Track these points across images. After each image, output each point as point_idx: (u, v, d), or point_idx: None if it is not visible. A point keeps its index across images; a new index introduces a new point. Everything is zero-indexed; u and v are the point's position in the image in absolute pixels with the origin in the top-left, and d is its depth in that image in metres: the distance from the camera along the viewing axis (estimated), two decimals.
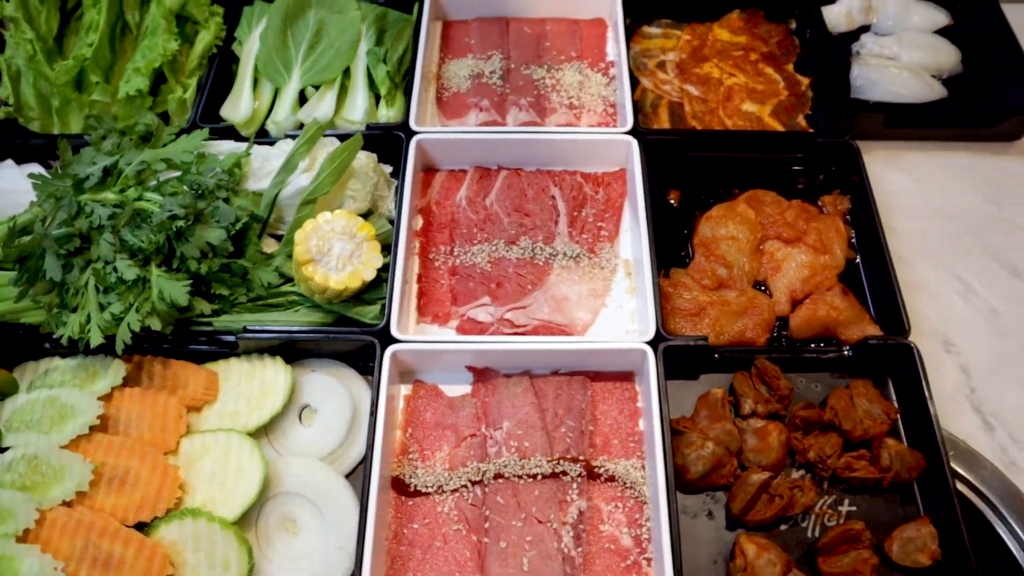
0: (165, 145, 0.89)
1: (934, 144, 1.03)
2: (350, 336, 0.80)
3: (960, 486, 0.81)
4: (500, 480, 0.75)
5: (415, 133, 0.91)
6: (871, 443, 0.78)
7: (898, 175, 1.01)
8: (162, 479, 0.75)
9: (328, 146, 0.88)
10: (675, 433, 0.77)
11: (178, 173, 0.86)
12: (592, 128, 0.95)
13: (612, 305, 0.86)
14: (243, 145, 0.89)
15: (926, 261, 0.95)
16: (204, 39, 0.99)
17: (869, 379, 0.82)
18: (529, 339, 0.80)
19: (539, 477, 0.75)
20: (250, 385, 0.81)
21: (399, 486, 0.77)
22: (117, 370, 0.81)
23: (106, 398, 0.79)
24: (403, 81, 0.99)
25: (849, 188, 0.93)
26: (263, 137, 0.95)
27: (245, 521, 0.74)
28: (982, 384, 0.87)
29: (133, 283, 0.79)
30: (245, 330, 0.81)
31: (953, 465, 0.82)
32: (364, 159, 0.88)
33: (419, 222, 0.91)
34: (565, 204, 0.91)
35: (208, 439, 0.77)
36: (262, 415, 0.78)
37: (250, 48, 1.00)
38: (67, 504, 0.74)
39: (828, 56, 1.03)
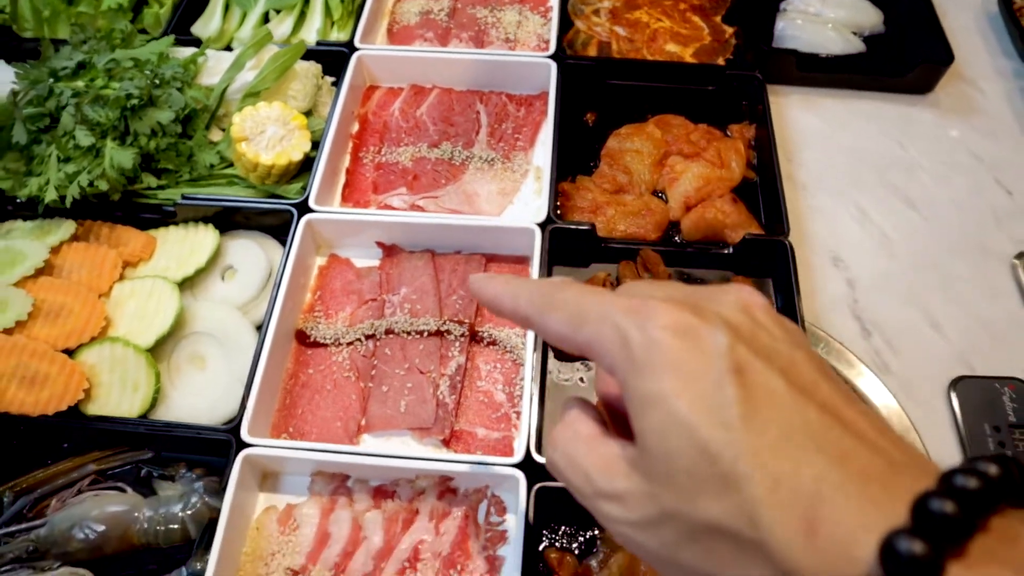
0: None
1: (848, 92, 1.09)
2: (273, 206, 0.89)
3: None
4: (391, 335, 0.83)
5: (357, 49, 1.01)
6: None
7: (811, 117, 1.07)
8: (91, 313, 0.83)
9: None
10: None
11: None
12: (517, 52, 1.04)
13: (519, 203, 0.94)
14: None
15: (827, 190, 1.00)
16: None
17: (750, 277, 0.88)
18: (432, 216, 0.88)
19: (426, 334, 0.82)
20: (182, 247, 0.89)
21: (301, 337, 0.84)
22: (68, 228, 0.90)
23: (55, 250, 0.89)
24: (357, 10, 1.09)
25: (755, 118, 1.00)
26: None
27: (159, 355, 0.82)
28: (865, 297, 0.91)
29: (88, 150, 0.90)
30: (183, 198, 0.90)
31: (828, 362, 0.87)
32: (307, 64, 0.98)
33: (355, 127, 1.01)
34: (488, 118, 1.00)
35: (136, 284, 0.86)
36: (187, 270, 0.87)
37: None
38: (7, 332, 0.83)
39: (753, 8, 1.11)
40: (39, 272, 0.87)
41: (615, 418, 0.40)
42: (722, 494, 0.29)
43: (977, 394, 0.84)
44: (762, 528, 0.28)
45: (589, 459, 0.36)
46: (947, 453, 0.81)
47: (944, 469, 0.28)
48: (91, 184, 0.89)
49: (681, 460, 0.30)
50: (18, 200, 0.91)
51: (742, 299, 0.36)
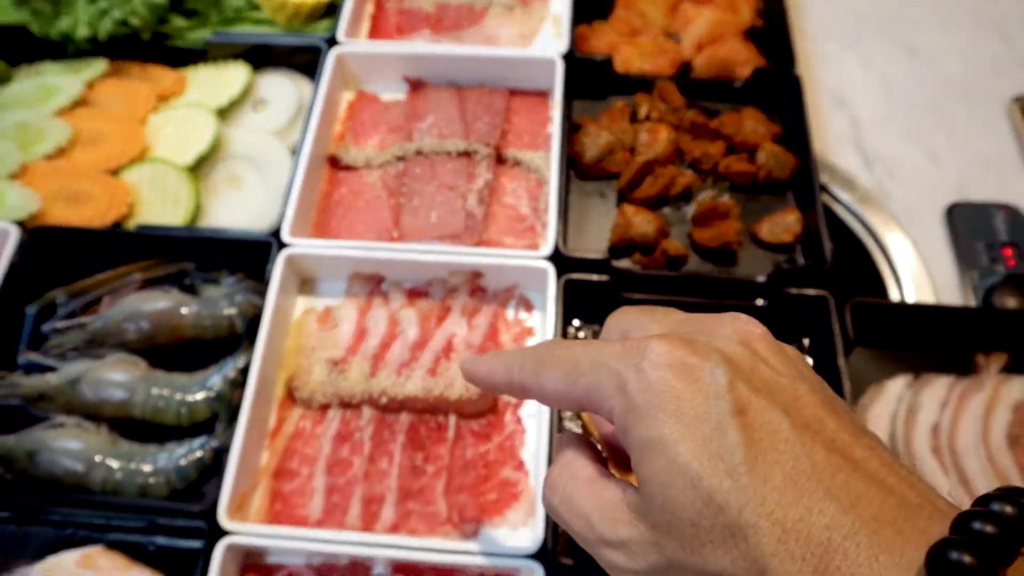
0: None
1: None
2: (303, 41, 0.92)
3: (837, 208, 0.91)
4: (420, 156, 0.86)
5: None
6: (752, 151, 0.87)
7: None
8: (129, 137, 0.87)
9: None
10: (577, 129, 0.87)
11: None
12: None
13: (538, 46, 0.97)
14: None
15: (833, 40, 1.04)
16: None
17: (760, 110, 0.92)
18: (457, 47, 0.91)
19: (454, 154, 0.86)
20: (214, 82, 0.92)
21: (333, 162, 0.88)
22: (100, 65, 0.93)
23: (88, 85, 0.92)
24: None
25: None
26: None
27: (197, 178, 0.86)
28: (868, 133, 0.96)
29: None
30: (214, 35, 0.93)
31: (832, 188, 0.92)
32: None
33: None
34: None
35: (172, 113, 0.89)
36: (220, 101, 0.90)
37: None
38: (48, 159, 0.86)
39: None
40: (75, 105, 0.90)
41: (615, 454, 0.39)
42: (729, 545, 0.28)
43: (972, 217, 0.89)
44: None
45: (590, 503, 0.35)
46: (943, 268, 0.87)
47: (958, 512, 0.27)
48: (123, 23, 0.91)
49: (685, 510, 0.29)
50: (48, 41, 0.93)
51: (739, 329, 0.34)
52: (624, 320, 0.38)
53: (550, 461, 0.69)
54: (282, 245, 0.77)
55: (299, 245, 0.77)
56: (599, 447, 0.40)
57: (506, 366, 0.39)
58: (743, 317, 0.35)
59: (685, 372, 0.31)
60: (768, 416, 0.30)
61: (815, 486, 0.28)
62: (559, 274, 0.75)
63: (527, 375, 0.38)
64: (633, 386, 0.32)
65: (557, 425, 0.70)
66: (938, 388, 0.77)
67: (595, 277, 0.76)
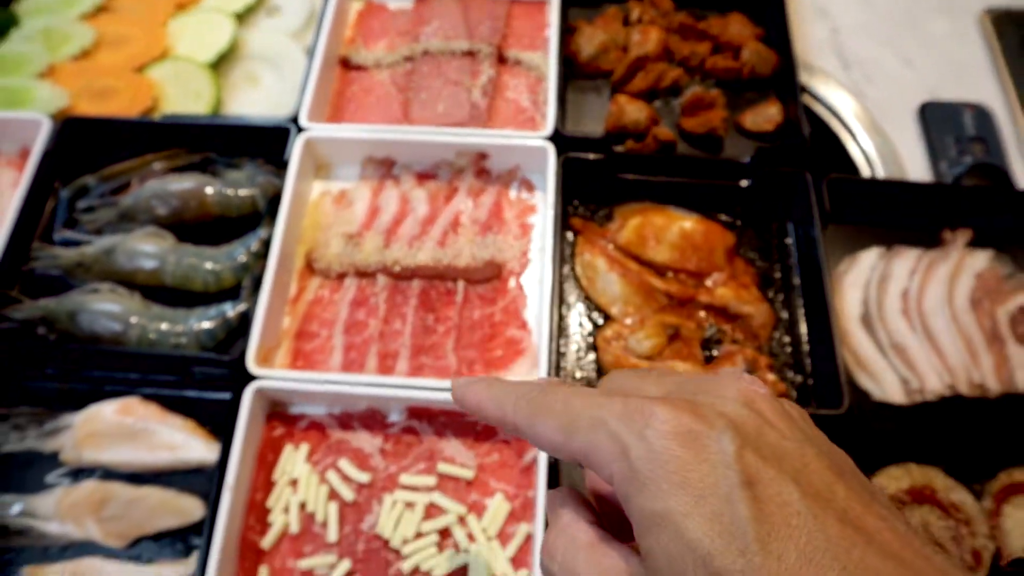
0: None
1: None
2: None
3: (816, 106, 0.97)
4: (427, 56, 0.92)
5: None
6: (737, 50, 0.93)
7: None
8: (151, 38, 0.92)
9: None
10: (573, 31, 0.93)
11: None
12: None
13: None
14: None
15: None
16: None
17: (746, 17, 0.98)
18: None
19: (458, 53, 0.92)
20: None
21: (345, 63, 0.93)
22: None
23: None
24: None
25: None
26: None
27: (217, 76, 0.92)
28: (847, 40, 1.02)
29: None
30: None
31: (812, 88, 0.98)
32: None
33: None
34: None
35: (191, 17, 0.94)
36: (236, 7, 0.95)
37: None
38: (74, 59, 0.92)
39: None
40: (97, 11, 0.95)
41: (608, 514, 0.38)
42: None
43: (943, 115, 0.96)
44: None
45: (591, 573, 0.33)
46: (915, 160, 0.93)
47: None
48: None
49: None
50: None
51: (742, 391, 0.33)
52: (619, 379, 0.37)
53: (552, 327, 0.74)
54: (300, 130, 0.83)
55: (316, 129, 0.83)
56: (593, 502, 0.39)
57: (498, 404, 0.38)
58: (746, 377, 0.34)
59: (691, 440, 0.30)
60: (778, 487, 0.28)
61: (831, 563, 0.26)
62: (559, 153, 0.81)
63: (520, 419, 0.36)
64: (636, 453, 0.30)
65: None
66: (908, 259, 0.83)
67: (592, 156, 0.82)
